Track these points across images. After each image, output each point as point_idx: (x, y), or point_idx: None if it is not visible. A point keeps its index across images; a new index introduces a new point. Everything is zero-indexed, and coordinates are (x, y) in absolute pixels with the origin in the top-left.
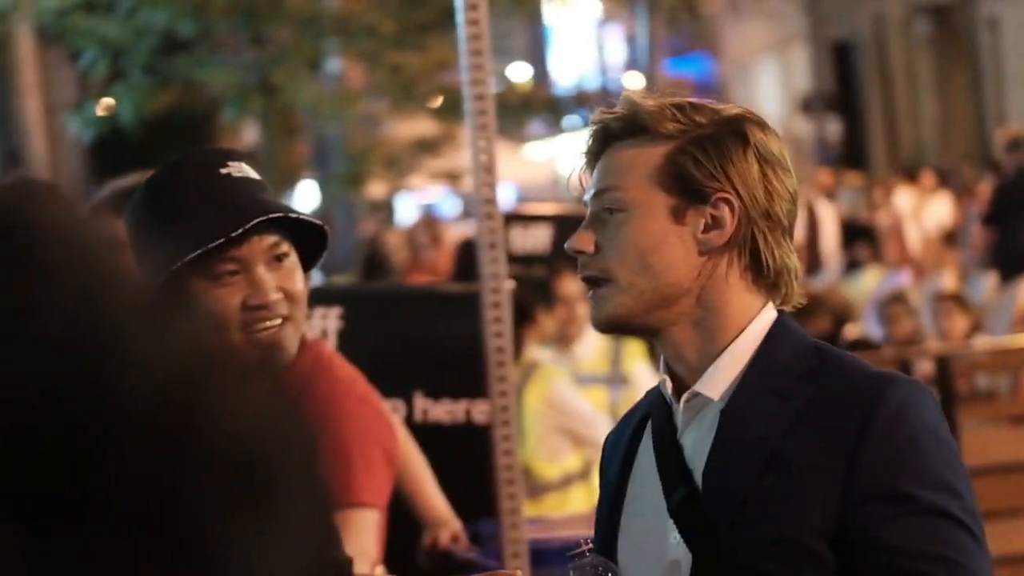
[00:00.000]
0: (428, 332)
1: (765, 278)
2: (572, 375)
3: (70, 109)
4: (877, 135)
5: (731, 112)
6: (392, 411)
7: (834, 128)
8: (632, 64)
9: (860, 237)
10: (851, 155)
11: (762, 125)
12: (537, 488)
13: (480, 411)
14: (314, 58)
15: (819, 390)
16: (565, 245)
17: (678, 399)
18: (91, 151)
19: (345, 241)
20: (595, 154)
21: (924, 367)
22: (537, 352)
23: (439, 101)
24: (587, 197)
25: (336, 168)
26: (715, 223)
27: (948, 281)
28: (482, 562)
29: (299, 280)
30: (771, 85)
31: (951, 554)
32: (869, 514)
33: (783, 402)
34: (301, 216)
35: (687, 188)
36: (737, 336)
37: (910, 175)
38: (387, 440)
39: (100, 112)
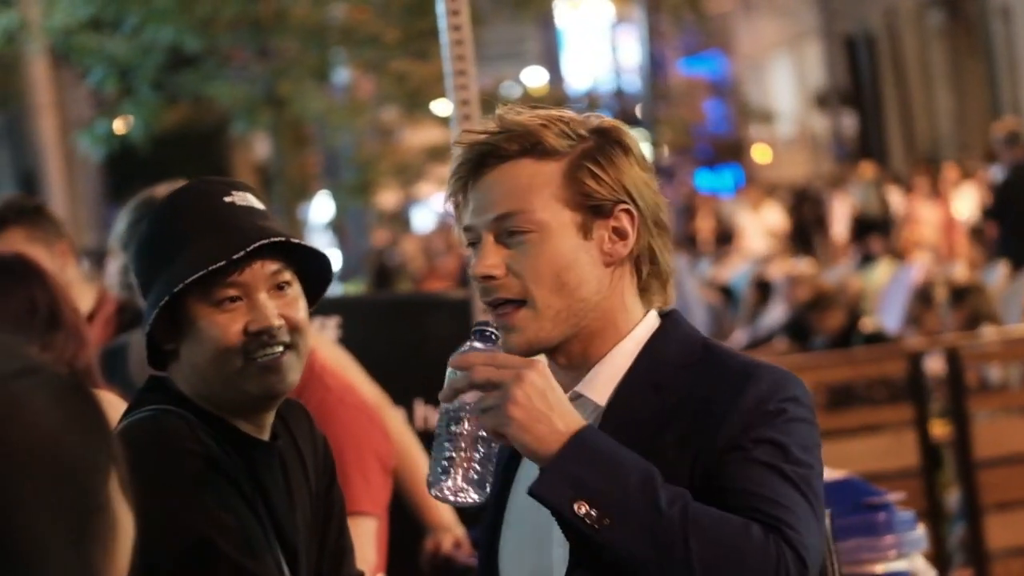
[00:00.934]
0: (427, 339)
1: (655, 280)
2: None
3: (84, 128)
4: (893, 128)
5: (604, 123)
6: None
7: (849, 123)
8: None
9: (873, 230)
10: (867, 149)
11: (629, 132)
12: None
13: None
14: (321, 69)
15: (697, 379)
16: (470, 271)
17: None
18: (106, 169)
19: (357, 250)
20: (471, 175)
21: (936, 358)
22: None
23: (448, 108)
24: (474, 220)
25: (346, 178)
26: (618, 235)
27: (960, 272)
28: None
29: (302, 308)
30: (785, 81)
31: (780, 499)
32: (719, 469)
33: (661, 393)
34: (303, 244)
35: (589, 203)
36: (622, 340)
37: (930, 168)
38: (382, 447)
39: (117, 129)
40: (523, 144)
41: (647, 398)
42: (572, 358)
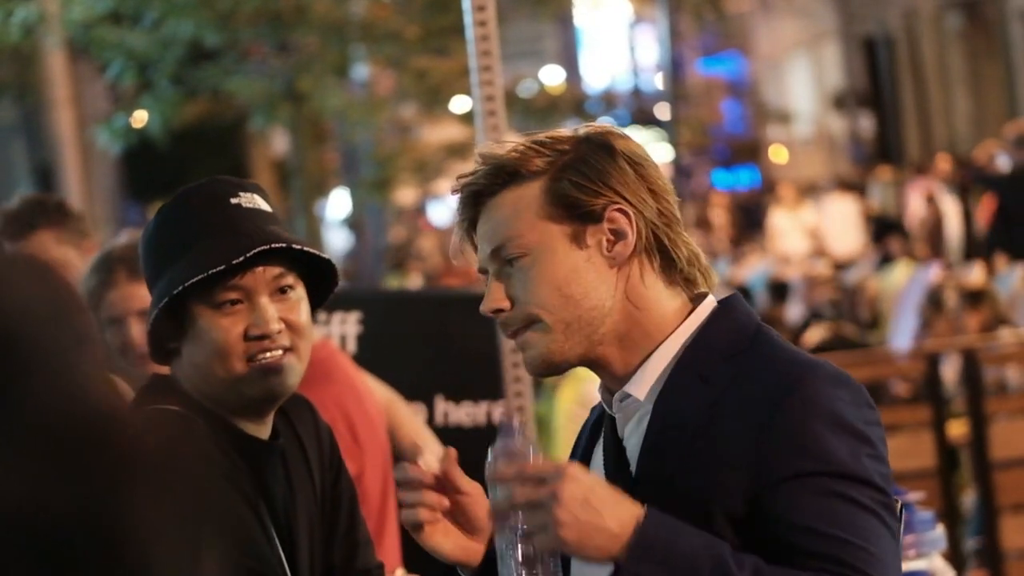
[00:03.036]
0: (448, 335)
1: (679, 272)
2: None
3: (101, 122)
4: (910, 130)
5: (588, 131)
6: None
7: (867, 124)
8: (664, 64)
9: (891, 231)
10: (884, 151)
11: (621, 133)
12: None
13: (501, 413)
14: (341, 65)
15: (742, 372)
16: (480, 309)
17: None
18: (123, 164)
19: (375, 246)
20: (471, 219)
21: (951, 361)
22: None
23: (467, 105)
24: (480, 261)
25: (365, 175)
26: (616, 236)
27: (976, 275)
28: None
29: (304, 312)
30: (803, 82)
31: (853, 538)
32: (777, 496)
33: (706, 385)
34: (307, 248)
35: (577, 212)
36: (666, 338)
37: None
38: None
39: (134, 124)
40: (503, 176)
41: (694, 391)
42: (615, 367)
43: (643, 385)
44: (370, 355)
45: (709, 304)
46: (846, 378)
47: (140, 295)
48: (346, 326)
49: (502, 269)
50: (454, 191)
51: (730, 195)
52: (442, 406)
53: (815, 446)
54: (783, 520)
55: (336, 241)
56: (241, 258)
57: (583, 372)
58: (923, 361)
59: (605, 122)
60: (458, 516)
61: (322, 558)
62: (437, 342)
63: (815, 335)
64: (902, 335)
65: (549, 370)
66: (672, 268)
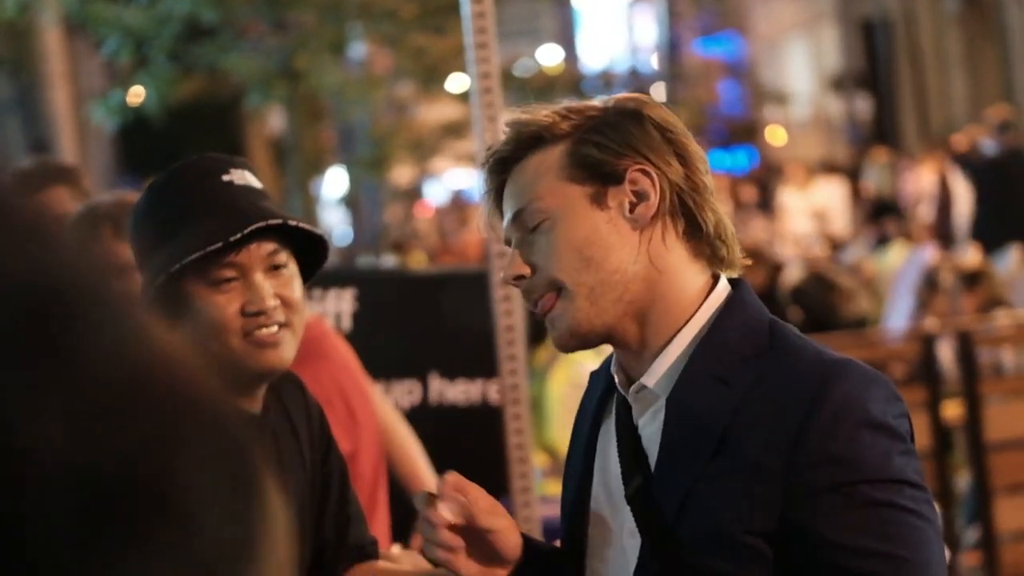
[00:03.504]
0: (443, 313)
1: (704, 241)
2: (600, 353)
3: (97, 99)
4: (907, 113)
5: (620, 97)
6: (408, 392)
7: (864, 106)
8: (661, 45)
9: (887, 213)
10: (881, 133)
11: (653, 102)
12: (563, 467)
13: (496, 391)
14: (337, 43)
15: (763, 376)
16: (501, 277)
17: (629, 388)
18: (119, 140)
19: (372, 225)
20: (498, 188)
21: (946, 342)
22: None
23: (464, 84)
24: (505, 230)
25: (361, 153)
26: (639, 197)
27: (973, 256)
28: None
29: (297, 288)
30: (801, 64)
31: (894, 550)
32: (811, 510)
33: (725, 389)
34: (301, 225)
35: (598, 173)
36: (687, 321)
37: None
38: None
39: (130, 100)
40: (527, 141)
41: (712, 391)
42: (632, 343)
43: (660, 377)
44: (365, 332)
45: (723, 290)
46: (874, 374)
47: (124, 254)
48: (341, 303)
49: (524, 236)
50: (485, 160)
51: (728, 176)
52: (436, 384)
53: (849, 453)
54: (821, 538)
55: (332, 219)
56: (239, 235)
57: (576, 354)
58: (919, 342)
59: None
60: (483, 548)
61: (314, 534)
62: (432, 320)
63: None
64: (898, 316)
65: (577, 342)
66: (698, 235)
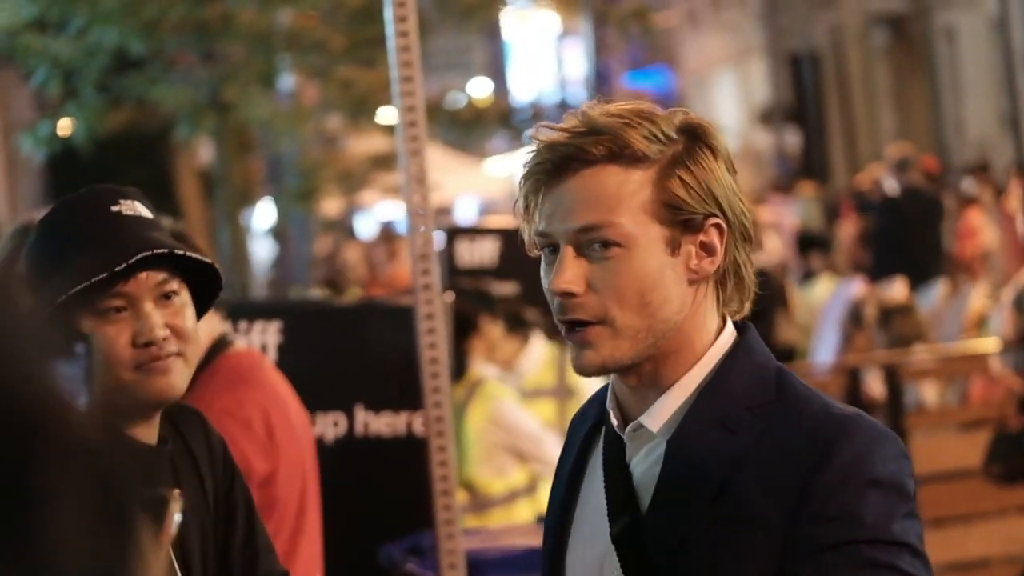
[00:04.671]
0: (368, 345)
1: (737, 295)
2: (519, 390)
3: (26, 129)
4: (836, 146)
5: (691, 120)
6: (333, 424)
7: (793, 139)
8: (590, 78)
9: (814, 246)
10: (810, 166)
11: (713, 127)
12: (482, 503)
13: (421, 423)
14: (267, 74)
15: (770, 428)
16: (548, 286)
17: (624, 426)
18: (48, 171)
19: (300, 257)
20: (550, 177)
21: (872, 376)
22: (483, 369)
23: (393, 117)
24: (552, 228)
25: (290, 185)
26: (706, 250)
27: (899, 290)
28: (419, 572)
29: (189, 317)
30: (730, 97)
31: None
32: (811, 566)
33: (730, 436)
34: (189, 254)
35: (680, 217)
36: (696, 362)
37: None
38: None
39: (60, 132)
40: (610, 148)
41: (716, 438)
42: (643, 379)
43: (659, 418)
44: (291, 365)
45: (731, 334)
46: (883, 431)
47: None
48: (267, 335)
49: (586, 249)
50: (538, 139)
51: None
52: (362, 416)
53: (855, 511)
54: None
55: (261, 251)
56: (123, 265)
57: (495, 388)
58: (844, 376)
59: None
60: None
61: (218, 566)
62: (357, 352)
63: None
64: (825, 349)
65: (601, 372)
66: (736, 291)
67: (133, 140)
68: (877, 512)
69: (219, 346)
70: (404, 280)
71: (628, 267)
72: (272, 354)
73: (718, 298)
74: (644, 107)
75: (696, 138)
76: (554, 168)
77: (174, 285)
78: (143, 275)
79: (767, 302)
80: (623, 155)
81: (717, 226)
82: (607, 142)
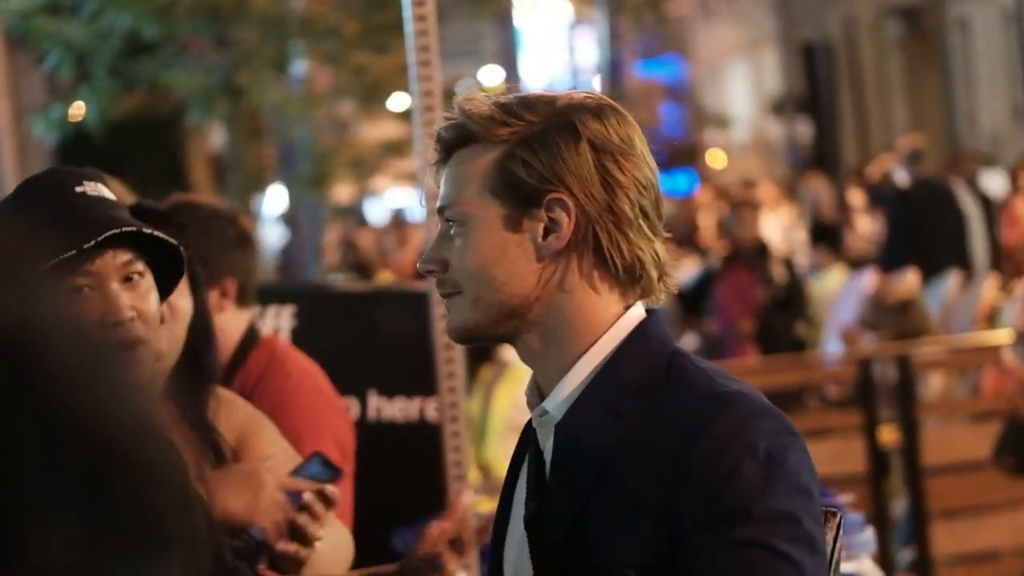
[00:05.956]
0: (382, 330)
1: (615, 275)
2: None
3: (38, 113)
4: (848, 137)
5: (564, 102)
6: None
7: (804, 130)
8: (602, 66)
9: (825, 237)
10: (821, 157)
11: (599, 112)
12: (496, 486)
13: (434, 409)
14: (279, 60)
15: (653, 409)
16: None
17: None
18: (59, 154)
19: (311, 243)
20: (440, 165)
21: (885, 367)
22: (510, 351)
23: (405, 103)
24: (437, 208)
25: (302, 170)
26: (553, 226)
27: (912, 280)
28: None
29: (153, 301)
30: (742, 87)
31: None
32: (688, 548)
33: (615, 420)
34: (155, 234)
35: (519, 194)
36: (590, 346)
37: None
38: (341, 432)
39: (71, 115)
40: (467, 131)
41: (601, 421)
42: (538, 359)
43: (560, 403)
44: (304, 349)
45: (632, 320)
46: (763, 406)
47: None
48: (280, 319)
49: (446, 229)
50: (434, 132)
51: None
52: (375, 401)
53: (728, 487)
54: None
55: (272, 236)
56: (92, 242)
57: (520, 372)
58: (855, 366)
59: None
60: None
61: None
62: (370, 337)
63: None
64: (835, 340)
65: (464, 339)
66: (606, 270)
67: (145, 124)
68: (751, 487)
69: (251, 337)
70: (413, 267)
71: (469, 243)
72: (285, 338)
73: (608, 282)
74: (523, 95)
75: (557, 120)
76: (441, 157)
77: (139, 267)
78: (109, 254)
79: (790, 292)
80: (474, 138)
81: (560, 202)
82: (464, 126)
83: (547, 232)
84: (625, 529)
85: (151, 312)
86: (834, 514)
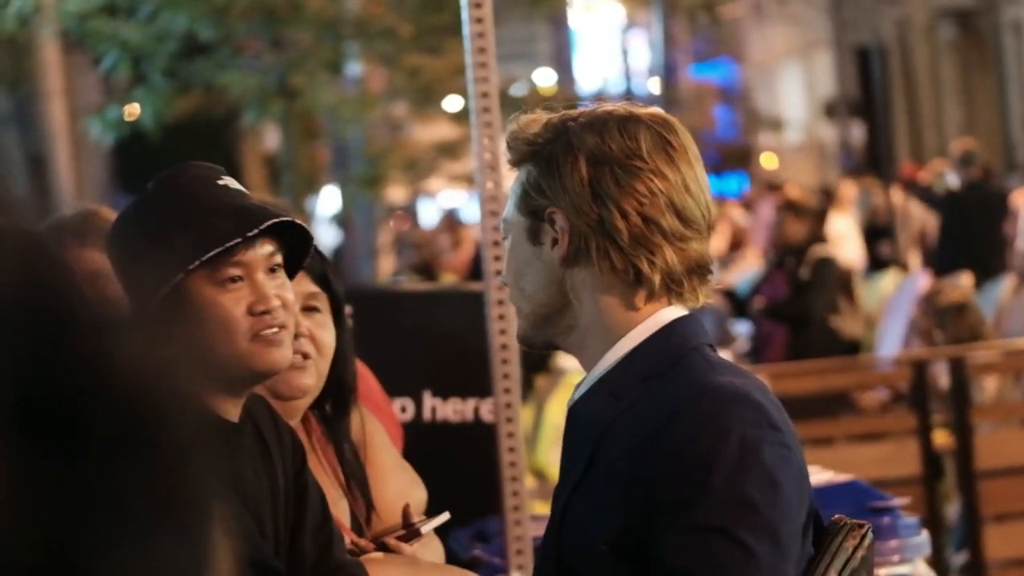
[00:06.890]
0: (437, 331)
1: (627, 281)
2: None
3: (93, 114)
4: (901, 140)
5: (570, 122)
6: (401, 410)
7: (857, 133)
8: (656, 69)
9: (881, 239)
10: (874, 160)
11: (595, 127)
12: (551, 491)
13: (488, 409)
14: (334, 61)
15: (648, 394)
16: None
17: None
18: (115, 155)
19: (364, 244)
20: None
21: (938, 369)
22: (566, 360)
23: (459, 104)
24: None
25: (356, 171)
26: (558, 239)
27: (966, 283)
28: (486, 558)
29: (291, 291)
30: (795, 90)
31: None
32: (650, 527)
33: (615, 402)
34: (304, 226)
35: (530, 210)
36: (611, 347)
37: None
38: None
39: (127, 117)
40: (514, 154)
41: (603, 408)
42: (577, 354)
43: (583, 391)
44: (360, 349)
45: (661, 320)
46: (744, 395)
47: (89, 262)
48: None
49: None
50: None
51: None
52: (429, 402)
53: (696, 471)
54: (655, 556)
55: (325, 237)
56: (256, 230)
57: (575, 380)
58: (910, 368)
59: None
60: None
61: (289, 547)
62: (426, 338)
63: None
64: (890, 342)
65: (525, 346)
66: (615, 276)
67: (200, 125)
68: (720, 470)
69: None
70: (467, 268)
71: (509, 256)
72: None
73: (622, 287)
74: (560, 111)
75: (560, 139)
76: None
77: (279, 258)
78: (259, 245)
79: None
80: (519, 159)
81: (555, 216)
82: (511, 151)
83: (554, 244)
84: (604, 506)
85: (291, 301)
86: (860, 526)
